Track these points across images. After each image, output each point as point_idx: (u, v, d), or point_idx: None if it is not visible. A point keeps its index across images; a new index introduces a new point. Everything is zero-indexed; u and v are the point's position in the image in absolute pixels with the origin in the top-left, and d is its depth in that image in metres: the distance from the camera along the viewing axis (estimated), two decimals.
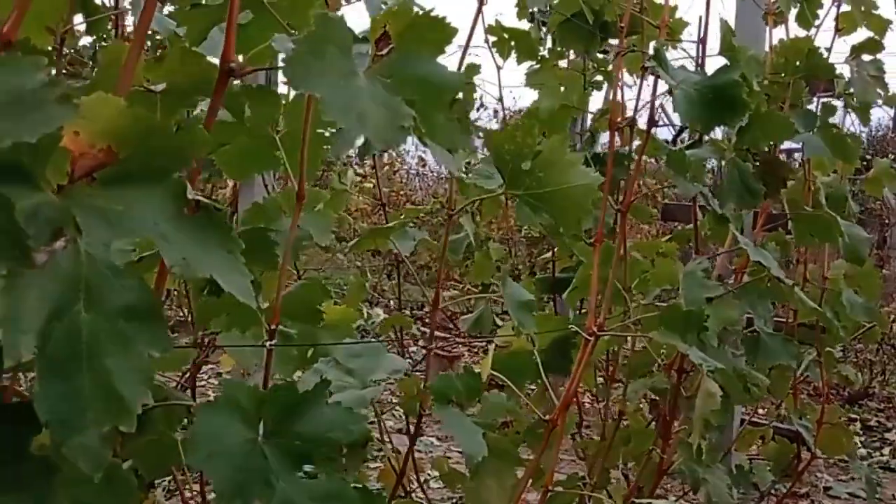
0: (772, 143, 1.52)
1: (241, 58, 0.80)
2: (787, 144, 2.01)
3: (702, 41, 1.68)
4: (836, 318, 2.25)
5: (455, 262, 2.15)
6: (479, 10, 1.20)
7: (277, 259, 0.90)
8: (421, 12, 0.72)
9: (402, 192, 6.43)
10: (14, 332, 0.45)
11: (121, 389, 0.49)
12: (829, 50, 1.92)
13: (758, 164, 1.38)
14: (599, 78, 1.90)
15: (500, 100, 2.06)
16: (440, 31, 0.72)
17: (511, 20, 1.87)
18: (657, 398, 1.86)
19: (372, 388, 1.10)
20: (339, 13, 0.77)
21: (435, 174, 6.97)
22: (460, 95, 0.74)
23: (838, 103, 2.12)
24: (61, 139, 0.49)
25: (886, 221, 6.06)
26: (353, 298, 1.76)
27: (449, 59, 0.77)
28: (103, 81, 0.71)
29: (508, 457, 0.98)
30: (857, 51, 1.92)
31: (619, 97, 1.36)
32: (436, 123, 0.71)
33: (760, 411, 2.89)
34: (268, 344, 0.85)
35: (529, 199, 0.94)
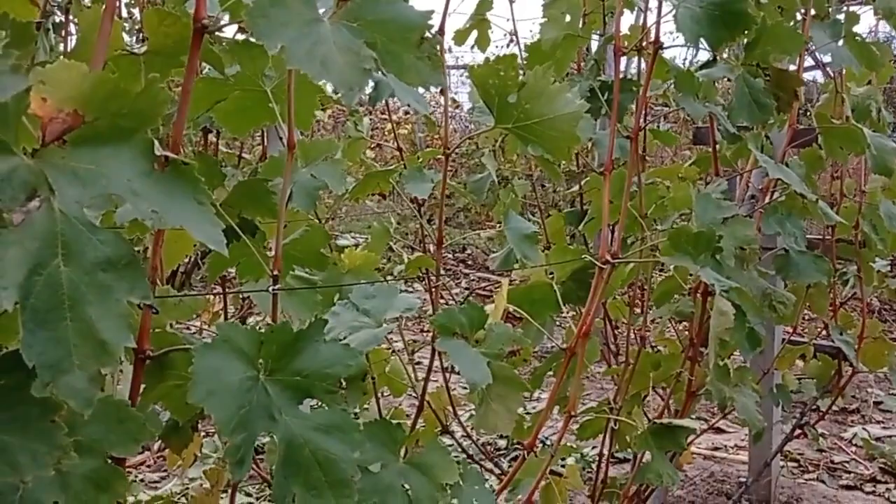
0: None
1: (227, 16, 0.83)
2: None
3: None
4: (875, 231, 2.21)
5: (481, 202, 2.15)
6: None
7: (275, 206, 0.93)
8: None
9: (437, 137, 6.39)
10: None
11: (103, 335, 0.53)
12: None
13: (768, 78, 1.35)
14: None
15: (514, 33, 2.03)
16: None
17: None
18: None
19: (386, 325, 1.14)
20: None
21: (469, 115, 6.92)
22: (429, 34, 0.75)
23: (867, 10, 2.04)
24: (28, 106, 0.53)
25: None
26: (376, 244, 1.80)
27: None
28: (83, 47, 0.74)
29: (512, 382, 1.02)
30: None
31: (621, 21, 1.33)
32: (404, 63, 0.73)
33: (806, 331, 2.87)
34: (271, 289, 0.89)
35: (518, 132, 0.95)
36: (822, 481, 2.92)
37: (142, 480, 2.74)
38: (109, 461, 0.69)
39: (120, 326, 0.54)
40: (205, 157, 0.96)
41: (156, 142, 0.57)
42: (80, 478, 0.65)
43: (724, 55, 1.38)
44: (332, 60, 0.66)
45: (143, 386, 0.90)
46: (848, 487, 2.87)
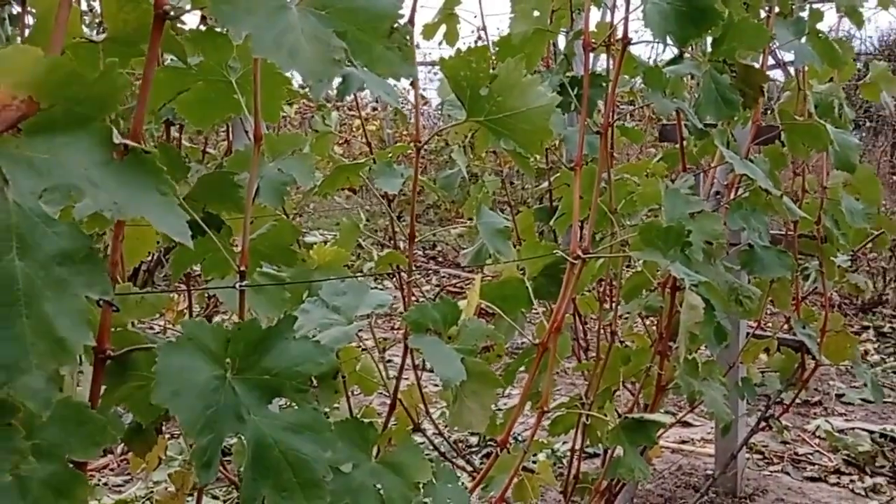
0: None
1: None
2: None
3: None
4: (836, 227, 2.25)
5: (451, 198, 2.14)
6: None
7: (241, 200, 0.91)
8: None
9: (406, 133, 6.38)
10: None
11: (61, 332, 0.51)
12: None
13: (735, 74, 1.35)
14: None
15: (483, 29, 2.02)
16: None
17: None
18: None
19: (356, 322, 1.12)
20: None
21: (438, 112, 6.90)
22: (399, 23, 0.73)
23: (830, 7, 2.07)
24: None
25: None
26: (345, 239, 1.77)
27: None
28: (39, 34, 0.71)
29: (486, 378, 1.00)
30: None
31: (590, 18, 1.33)
32: (374, 54, 0.71)
33: (769, 325, 2.91)
34: (238, 285, 0.87)
35: (491, 125, 0.94)
36: (787, 473, 2.96)
37: (105, 484, 2.68)
38: (70, 465, 0.66)
39: (78, 323, 0.51)
40: (167, 147, 0.93)
41: (114, 130, 0.55)
42: (39, 483, 0.62)
43: (691, 51, 1.39)
44: (301, 49, 0.64)
45: (104, 387, 0.87)
46: (812, 479, 2.92)
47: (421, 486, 1.01)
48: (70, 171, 0.53)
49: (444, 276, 5.20)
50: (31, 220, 0.51)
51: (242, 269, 0.88)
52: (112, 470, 2.80)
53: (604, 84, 1.45)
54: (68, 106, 0.53)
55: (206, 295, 2.44)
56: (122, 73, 0.54)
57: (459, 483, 1.08)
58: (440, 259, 5.72)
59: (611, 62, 1.50)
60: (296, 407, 0.76)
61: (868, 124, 6.67)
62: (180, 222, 0.56)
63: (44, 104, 0.53)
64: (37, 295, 0.50)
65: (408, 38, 0.75)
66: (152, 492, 2.44)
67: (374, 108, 6.15)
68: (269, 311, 1.19)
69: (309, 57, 0.64)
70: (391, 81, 0.95)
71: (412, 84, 0.99)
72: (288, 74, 1.06)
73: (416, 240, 1.39)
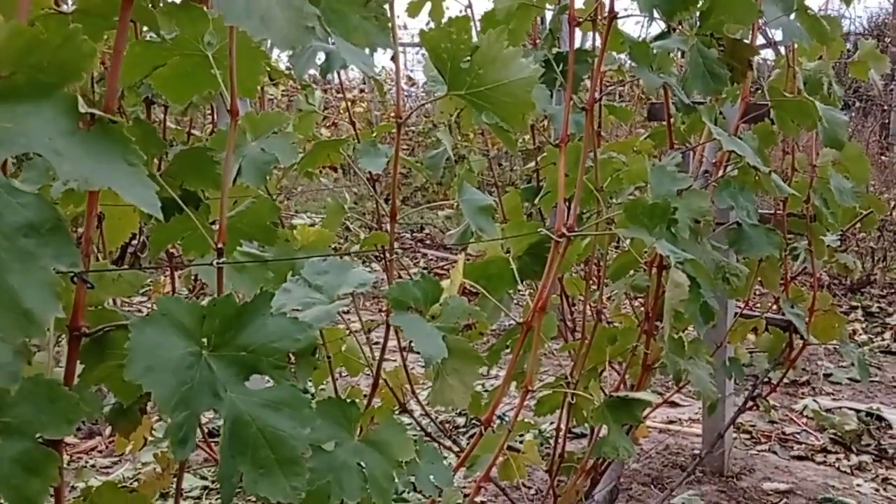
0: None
1: None
2: None
3: None
4: (825, 206, 2.25)
5: (438, 179, 2.13)
6: None
7: (219, 177, 0.89)
8: None
9: (392, 115, 6.32)
10: None
11: (27, 304, 0.49)
12: None
13: (722, 48, 1.34)
14: None
15: (469, 6, 2.00)
16: None
17: None
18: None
19: (338, 301, 1.11)
20: None
21: (425, 93, 6.86)
22: None
23: None
24: None
25: (886, 108, 5.95)
26: (330, 220, 1.76)
27: None
28: (5, 4, 0.69)
29: (468, 356, 1.00)
30: None
31: None
32: (350, 23, 0.70)
33: (758, 305, 2.92)
34: (215, 262, 0.85)
35: (472, 99, 0.93)
36: (774, 452, 2.98)
37: (93, 466, 2.68)
38: (42, 444, 0.65)
39: (45, 295, 0.50)
40: (141, 122, 0.92)
41: (80, 98, 0.53)
42: (9, 461, 0.61)
43: (679, 27, 1.37)
44: (273, 16, 0.63)
45: (82, 366, 0.86)
46: (799, 458, 2.94)
47: (404, 464, 1.01)
48: (33, 140, 0.51)
49: (431, 259, 5.19)
50: None
51: (220, 246, 0.87)
52: (100, 452, 2.79)
53: (589, 60, 1.44)
54: (31, 73, 0.52)
55: (193, 277, 2.43)
56: (86, 40, 0.53)
57: (443, 462, 1.08)
58: (428, 241, 5.72)
59: (598, 40, 1.49)
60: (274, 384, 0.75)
61: (857, 105, 6.68)
62: (149, 193, 0.55)
63: (5, 71, 0.51)
64: (1, 267, 0.49)
65: (385, 7, 0.73)
66: (140, 473, 2.44)
67: (362, 91, 6.11)
68: (252, 290, 1.18)
69: (280, 24, 0.62)
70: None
71: (393, 59, 0.98)
72: (272, 56, 1.05)
73: (401, 220, 1.38)
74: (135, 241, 3.27)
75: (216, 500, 2.43)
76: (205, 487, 2.52)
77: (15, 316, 0.49)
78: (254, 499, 0.75)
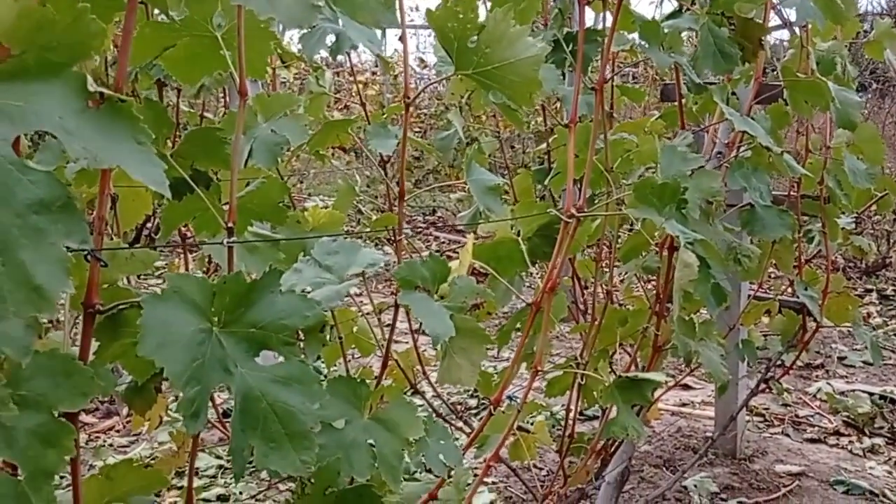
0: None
1: None
2: None
3: None
4: (839, 187, 2.23)
5: (448, 161, 2.13)
6: None
7: (229, 157, 0.90)
8: None
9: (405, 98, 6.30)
10: None
11: (38, 280, 0.51)
12: None
13: (733, 27, 1.33)
14: None
15: None
16: None
17: None
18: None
19: (348, 281, 1.12)
20: None
21: (436, 75, 6.83)
22: None
23: None
24: None
25: None
26: (341, 202, 1.77)
27: None
28: None
29: (476, 335, 1.01)
30: None
31: None
32: (356, 1, 0.70)
33: (771, 288, 2.91)
34: (225, 241, 0.86)
35: (479, 78, 0.93)
36: (787, 435, 2.98)
37: (111, 445, 2.72)
38: (58, 416, 0.67)
39: (56, 271, 0.51)
40: (152, 103, 0.92)
41: (89, 77, 0.54)
42: (26, 433, 0.62)
43: (691, 6, 1.36)
44: None
45: (97, 343, 0.87)
46: (812, 440, 2.94)
47: (414, 442, 1.02)
48: (43, 119, 0.52)
49: (443, 242, 5.19)
50: (4, 168, 0.50)
51: (230, 225, 0.88)
52: (118, 431, 2.84)
53: (599, 39, 1.43)
54: (41, 52, 0.53)
55: (207, 259, 2.45)
56: (95, 20, 0.54)
57: (453, 440, 1.09)
58: (440, 224, 5.73)
59: (608, 20, 1.48)
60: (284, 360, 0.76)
61: (875, 86, 6.59)
62: (157, 171, 0.56)
63: (15, 50, 0.52)
64: (13, 243, 0.50)
65: None
66: (157, 452, 2.48)
67: (374, 73, 6.09)
68: (262, 271, 1.19)
69: (287, 2, 0.63)
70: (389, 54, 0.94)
71: (401, 39, 0.98)
72: (284, 38, 1.05)
73: (412, 202, 1.39)
74: (150, 224, 3.30)
75: (231, 479, 2.47)
76: (220, 466, 2.55)
77: (26, 291, 0.50)
78: (266, 475, 0.76)
